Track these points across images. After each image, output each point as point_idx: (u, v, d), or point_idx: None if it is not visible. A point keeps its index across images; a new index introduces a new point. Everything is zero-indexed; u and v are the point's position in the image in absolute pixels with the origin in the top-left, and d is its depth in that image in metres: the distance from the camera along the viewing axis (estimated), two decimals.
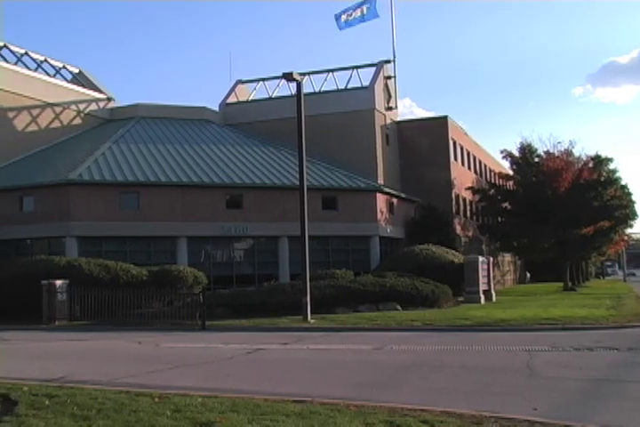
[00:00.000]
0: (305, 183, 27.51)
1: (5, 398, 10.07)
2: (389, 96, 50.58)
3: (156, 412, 9.06)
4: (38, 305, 28.41)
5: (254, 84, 55.10)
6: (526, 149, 53.13)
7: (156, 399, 9.99)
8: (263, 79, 54.07)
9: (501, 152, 54.96)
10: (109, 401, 9.83)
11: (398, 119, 52.30)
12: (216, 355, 16.75)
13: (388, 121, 49.53)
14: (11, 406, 9.65)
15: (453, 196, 50.75)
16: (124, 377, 13.04)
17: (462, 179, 53.68)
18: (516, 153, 53.78)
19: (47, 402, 9.80)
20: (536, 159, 52.98)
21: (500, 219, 55.88)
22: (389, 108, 50.10)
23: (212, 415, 8.78)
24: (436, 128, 50.54)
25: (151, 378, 12.99)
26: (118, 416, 8.84)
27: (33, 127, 44.04)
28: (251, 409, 9.22)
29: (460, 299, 34.30)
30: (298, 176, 28.85)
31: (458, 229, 51.03)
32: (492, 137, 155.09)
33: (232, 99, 53.66)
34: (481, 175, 62.37)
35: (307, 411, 9.06)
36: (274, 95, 52.10)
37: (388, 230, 42.58)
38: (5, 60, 44.81)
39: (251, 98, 54.07)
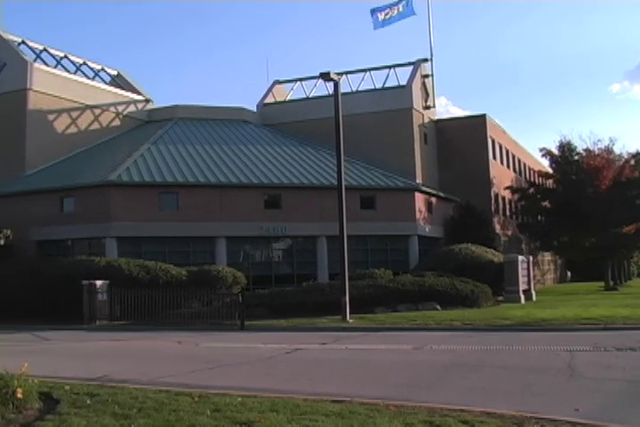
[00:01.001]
0: (343, 183, 27.47)
1: (48, 396, 10.17)
2: (427, 95, 50.36)
3: (196, 411, 9.09)
4: (79, 305, 28.70)
5: (291, 85, 55.23)
6: (565, 148, 52.58)
7: (196, 399, 10.02)
8: (300, 79, 54.19)
9: (540, 150, 54.52)
10: (150, 400, 9.89)
11: (436, 118, 52.04)
12: (255, 355, 16.78)
13: (426, 120, 49.32)
14: (53, 404, 9.75)
15: (492, 194, 50.39)
16: (165, 377, 13.11)
17: (501, 177, 53.29)
18: (556, 151, 53.26)
19: (88, 401, 9.88)
20: (576, 157, 52.38)
21: (539, 218, 55.38)
22: (427, 107, 49.87)
23: (251, 415, 8.79)
24: (475, 126, 50.21)
25: (191, 378, 13.04)
26: (158, 415, 8.88)
27: (72, 129, 44.48)
28: (290, 409, 9.21)
29: (500, 298, 34.00)
30: (336, 176, 28.81)
31: (497, 228, 50.67)
32: (530, 135, 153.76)
33: (269, 99, 53.81)
34: (520, 174, 61.84)
35: (346, 411, 9.04)
36: (311, 95, 52.16)
37: (427, 230, 42.39)
38: (45, 63, 45.32)
39: (288, 98, 54.17)
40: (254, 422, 8.38)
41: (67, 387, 11.02)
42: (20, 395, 9.30)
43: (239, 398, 9.96)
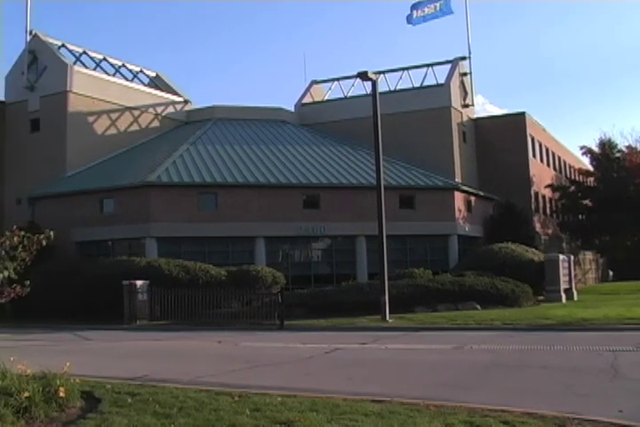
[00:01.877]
0: (382, 182, 27.43)
1: (89, 395, 10.27)
2: (465, 93, 50.06)
3: (236, 411, 9.12)
4: (119, 305, 28.95)
5: (329, 84, 55.21)
6: (606, 145, 51.99)
7: (236, 398, 10.05)
8: (338, 79, 54.14)
9: (581, 148, 54.05)
10: (190, 400, 9.94)
11: (475, 116, 51.74)
12: (295, 355, 16.79)
13: (465, 118, 49.04)
14: (95, 403, 9.85)
15: (532, 193, 49.94)
16: (205, 376, 13.17)
17: (541, 176, 52.82)
18: (596, 149, 52.70)
19: (129, 400, 9.96)
20: (617, 155, 51.78)
21: (580, 216, 54.77)
22: (466, 106, 49.59)
23: (291, 415, 8.79)
24: (514, 125, 49.77)
25: (231, 377, 13.09)
26: (199, 415, 8.92)
27: (112, 131, 44.87)
28: (330, 409, 9.21)
29: (541, 298, 33.69)
30: (375, 175, 28.76)
31: (537, 226, 50.22)
32: (571, 133, 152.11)
33: (307, 99, 53.86)
34: (560, 172, 61.26)
35: (386, 411, 9.02)
36: (349, 95, 52.07)
37: (467, 229, 42.16)
38: (85, 65, 45.77)
39: (326, 98, 54.17)
40: (294, 422, 8.39)
41: (108, 386, 11.12)
42: (62, 394, 9.41)
43: (279, 398, 9.98)
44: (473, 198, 44.17)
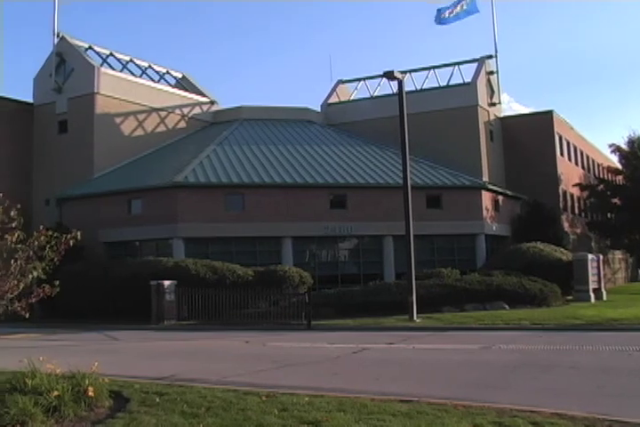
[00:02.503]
0: (409, 182, 27.38)
1: (118, 395, 10.33)
2: (492, 92, 49.84)
3: (264, 410, 9.13)
4: (147, 305, 29.08)
5: (355, 84, 55.15)
6: (635, 143, 51.52)
7: (264, 398, 10.07)
8: (364, 78, 54.11)
9: (609, 146, 53.61)
10: (218, 400, 9.96)
11: (502, 115, 51.49)
12: (322, 354, 16.80)
13: (492, 117, 48.80)
14: (123, 402, 9.91)
15: (560, 192, 49.58)
16: (232, 376, 13.19)
17: (569, 174, 52.44)
18: (625, 147, 52.26)
19: (158, 400, 10.01)
20: None
21: (609, 215, 54.32)
22: (492, 104, 49.36)
23: (318, 414, 8.79)
24: (541, 123, 49.44)
25: (259, 377, 13.11)
26: (227, 414, 8.95)
27: (139, 132, 45.09)
28: (357, 409, 9.20)
29: (569, 298, 33.42)
30: (401, 175, 28.71)
31: (565, 226, 49.87)
32: (599, 132, 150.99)
33: (333, 99, 53.84)
34: (589, 170, 60.80)
35: (414, 411, 8.99)
36: (375, 94, 52.02)
37: (494, 228, 41.97)
38: (112, 67, 46.04)
39: (352, 98, 54.12)
40: (321, 422, 8.38)
41: (136, 386, 11.18)
42: (91, 393, 9.47)
43: (306, 398, 9.98)
44: (500, 197, 43.96)
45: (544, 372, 12.96)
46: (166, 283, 29.38)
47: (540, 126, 49.18)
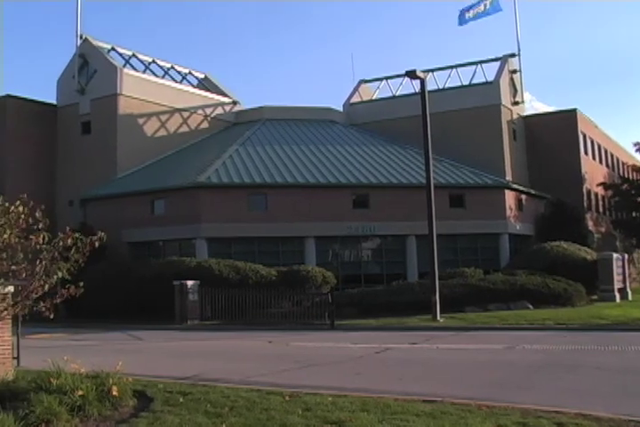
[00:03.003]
0: (432, 181, 27.31)
1: (142, 394, 10.37)
2: (515, 91, 49.61)
3: (287, 410, 9.14)
4: (170, 305, 29.18)
5: (377, 84, 55.02)
6: None
7: (287, 398, 10.08)
8: (386, 78, 53.97)
9: (634, 145, 53.18)
10: (241, 399, 9.98)
11: (525, 114, 51.24)
12: (345, 354, 16.79)
13: (515, 116, 48.58)
14: (147, 402, 9.95)
15: (584, 191, 49.23)
16: (256, 376, 13.21)
17: (593, 173, 52.07)
18: None
19: (181, 399, 10.05)
20: None
21: (634, 214, 53.89)
22: (515, 103, 49.11)
23: (342, 414, 8.79)
24: (565, 121, 49.09)
25: (282, 377, 13.12)
26: (250, 414, 8.96)
27: (162, 132, 45.29)
28: (381, 409, 9.19)
29: (594, 298, 33.18)
30: (424, 174, 28.66)
31: (590, 225, 49.50)
32: (624, 130, 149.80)
33: (356, 98, 53.78)
34: (613, 169, 60.35)
35: (437, 411, 8.97)
36: (397, 94, 51.90)
37: (518, 227, 41.77)
38: (134, 68, 46.28)
39: (374, 97, 54.03)
40: (345, 422, 8.38)
41: (160, 385, 11.23)
42: (115, 393, 9.52)
43: (330, 398, 9.98)
44: (524, 197, 43.74)
45: (568, 372, 12.89)
46: (189, 283, 29.47)
47: (563, 125, 48.85)
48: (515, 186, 42.73)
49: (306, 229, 36.53)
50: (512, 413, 8.88)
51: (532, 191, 45.03)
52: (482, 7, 48.02)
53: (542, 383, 11.88)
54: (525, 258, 36.40)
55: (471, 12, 48.20)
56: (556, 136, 48.49)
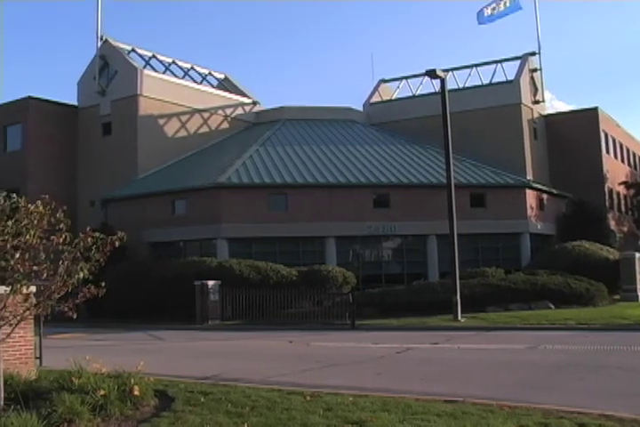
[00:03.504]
0: (452, 181, 27.24)
1: (163, 394, 10.40)
2: (536, 89, 49.38)
3: (308, 410, 9.13)
4: (191, 305, 29.26)
5: (397, 83, 54.97)
6: None
7: (308, 398, 10.07)
8: (406, 77, 53.94)
9: None
10: (262, 399, 9.97)
11: (546, 113, 51.00)
12: (366, 354, 16.77)
13: (536, 115, 48.37)
14: (168, 402, 9.98)
15: (606, 190, 48.95)
16: (276, 376, 13.22)
17: (615, 172, 51.73)
18: None
19: (202, 399, 10.05)
20: None
21: None
22: (536, 102, 48.91)
23: (363, 414, 8.77)
24: (587, 120, 48.83)
25: (303, 377, 13.12)
26: (271, 414, 8.96)
27: (182, 133, 45.46)
28: (402, 409, 9.16)
29: (616, 297, 32.96)
30: (445, 174, 28.60)
31: (612, 224, 49.19)
32: None
33: (376, 98, 53.74)
34: (635, 168, 59.95)
35: (459, 411, 8.93)
36: (417, 93, 51.86)
37: (539, 227, 41.59)
38: (154, 69, 46.49)
39: (394, 97, 53.98)
40: (366, 422, 8.36)
41: (181, 385, 11.25)
42: (136, 392, 9.55)
43: (350, 398, 9.96)
44: (545, 196, 43.54)
45: (591, 372, 12.81)
46: (210, 283, 29.55)
47: (585, 124, 48.59)
48: (536, 185, 42.54)
49: (326, 228, 36.54)
50: (534, 413, 8.83)
51: (554, 190, 44.80)
52: (501, 6, 47.82)
53: (564, 384, 11.82)
54: (547, 258, 36.22)
55: (489, 9, 47.98)
56: (577, 135, 48.23)
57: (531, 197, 41.36)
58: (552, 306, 28.64)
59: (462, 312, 25.40)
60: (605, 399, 10.05)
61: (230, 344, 21.78)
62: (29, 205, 9.30)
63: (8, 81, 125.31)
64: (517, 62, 49.00)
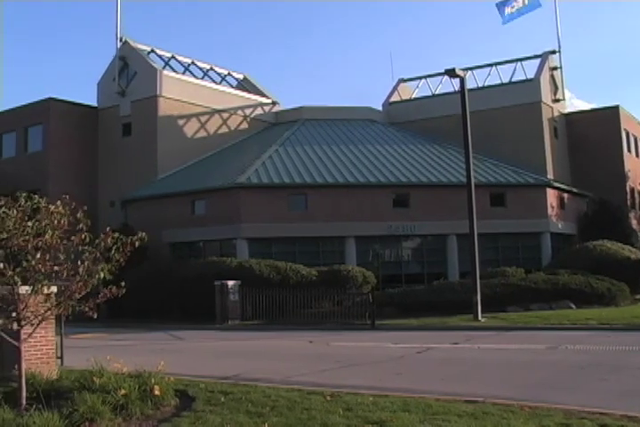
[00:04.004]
0: (472, 180, 27.16)
1: (183, 394, 10.44)
2: (556, 88, 49.13)
3: (328, 410, 9.14)
4: (211, 305, 29.32)
5: (417, 82, 54.85)
6: None
7: (328, 398, 10.07)
8: (425, 76, 53.81)
9: None
10: (282, 399, 9.99)
11: (566, 111, 50.72)
12: (386, 354, 16.75)
13: (556, 113, 48.12)
14: (188, 401, 10.02)
15: (628, 189, 48.63)
16: (296, 375, 13.23)
17: (637, 171, 51.30)
18: None
19: (223, 399, 10.08)
20: None
21: None
22: (556, 101, 48.66)
23: (383, 414, 8.76)
24: (607, 118, 48.52)
25: (322, 377, 13.12)
26: (291, 414, 8.97)
27: (202, 133, 45.56)
28: (422, 409, 9.14)
29: (638, 297, 32.76)
30: (465, 173, 28.52)
31: (634, 223, 48.85)
32: None
33: (395, 98, 53.65)
34: None
35: (479, 411, 8.90)
36: (437, 92, 51.73)
37: (559, 226, 41.37)
38: (174, 70, 46.62)
39: (414, 96, 53.87)
40: (386, 422, 8.35)
41: (201, 385, 11.28)
42: (157, 392, 9.60)
43: (371, 398, 9.96)
44: (566, 195, 43.31)
45: (613, 373, 12.72)
46: (230, 283, 29.60)
47: (606, 122, 48.29)
48: (556, 184, 42.32)
49: (346, 228, 36.52)
50: (555, 414, 8.79)
51: (574, 190, 44.56)
52: (520, 3, 47.56)
53: (586, 384, 11.75)
54: (567, 257, 36.02)
55: (509, 7, 47.71)
56: (598, 133, 47.95)
57: (551, 196, 41.15)
58: (573, 306, 28.51)
59: (482, 312, 25.32)
60: (627, 400, 9.98)
61: (250, 344, 21.81)
62: (50, 206, 9.37)
63: (29, 82, 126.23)
64: (537, 61, 48.74)
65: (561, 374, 12.86)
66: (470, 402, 9.63)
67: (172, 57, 48.29)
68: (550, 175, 44.27)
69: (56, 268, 9.25)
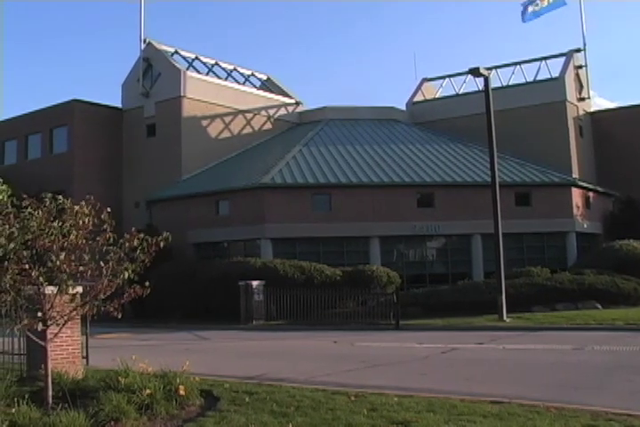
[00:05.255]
0: (497, 180, 27.03)
1: (208, 394, 10.48)
2: (581, 86, 48.78)
3: (353, 410, 9.13)
4: (235, 305, 29.38)
5: (440, 82, 54.68)
6: None
7: (352, 398, 10.07)
8: (449, 76, 53.64)
9: None
10: (307, 399, 10.00)
11: (592, 110, 50.34)
12: (411, 354, 16.72)
13: (581, 112, 47.76)
14: (213, 401, 10.06)
15: None
16: (321, 376, 13.23)
17: None
18: None
19: (247, 399, 10.10)
20: None
21: None
22: (582, 99, 48.30)
23: (408, 415, 8.74)
24: (634, 116, 48.04)
25: (347, 377, 13.11)
26: (316, 414, 8.97)
27: (226, 134, 45.66)
28: (447, 409, 9.12)
29: None
30: (489, 173, 28.39)
31: None
32: None
33: (419, 97, 53.50)
34: None
35: (504, 412, 8.86)
36: (461, 92, 51.53)
37: (585, 226, 41.05)
38: (197, 71, 46.77)
39: (437, 95, 53.72)
40: (411, 422, 8.33)
41: (226, 385, 11.31)
42: (182, 392, 9.64)
43: (395, 398, 9.94)
44: (591, 194, 42.98)
45: (639, 374, 12.61)
46: (254, 283, 29.65)
47: (632, 120, 47.75)
48: (582, 183, 42.00)
49: (370, 228, 36.47)
50: (581, 415, 8.72)
51: (600, 189, 44.21)
52: (545, 2, 47.27)
53: (612, 385, 11.66)
54: (593, 257, 35.74)
55: (533, 5, 47.44)
56: (624, 132, 47.51)
57: (577, 195, 40.84)
58: (599, 306, 28.30)
59: (507, 312, 25.22)
60: None
61: (274, 344, 21.83)
62: (75, 207, 9.42)
63: (54, 84, 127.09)
64: (562, 59, 48.39)
65: (587, 375, 12.77)
66: (495, 403, 9.59)
67: (196, 58, 48.46)
68: (576, 174, 43.96)
69: (81, 268, 9.31)
